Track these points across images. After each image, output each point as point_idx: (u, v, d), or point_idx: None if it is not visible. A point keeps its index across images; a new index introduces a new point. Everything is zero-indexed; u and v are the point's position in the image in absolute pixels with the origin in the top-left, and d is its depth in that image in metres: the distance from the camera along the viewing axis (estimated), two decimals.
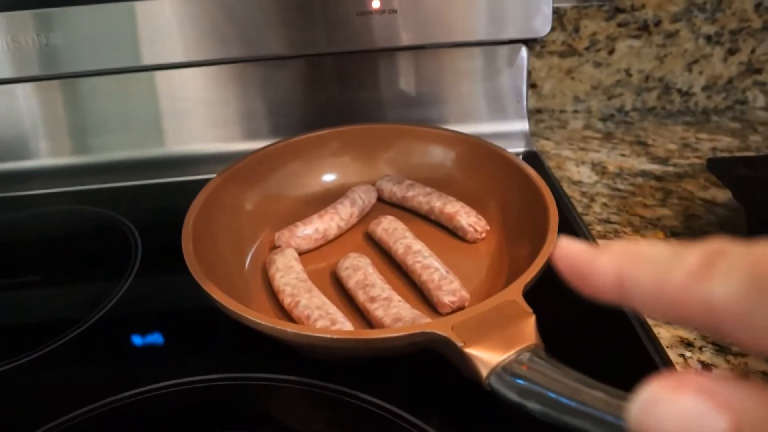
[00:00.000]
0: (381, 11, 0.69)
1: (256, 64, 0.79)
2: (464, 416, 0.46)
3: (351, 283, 0.55)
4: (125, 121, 0.81)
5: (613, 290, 0.22)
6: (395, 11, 0.69)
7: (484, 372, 0.40)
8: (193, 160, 0.81)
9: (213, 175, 0.63)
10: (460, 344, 0.41)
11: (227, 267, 0.57)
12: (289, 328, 0.44)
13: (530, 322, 0.43)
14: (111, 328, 0.57)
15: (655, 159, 0.83)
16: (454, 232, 0.64)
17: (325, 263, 0.61)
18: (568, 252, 0.23)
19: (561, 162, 0.84)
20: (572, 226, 0.67)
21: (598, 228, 0.69)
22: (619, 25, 0.89)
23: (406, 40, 0.74)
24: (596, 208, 0.73)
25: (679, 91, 0.95)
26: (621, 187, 0.77)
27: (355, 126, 0.72)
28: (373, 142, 0.72)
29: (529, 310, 0.44)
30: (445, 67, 0.81)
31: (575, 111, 0.96)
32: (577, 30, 0.89)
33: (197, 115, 0.82)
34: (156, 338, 0.56)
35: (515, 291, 0.46)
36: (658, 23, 0.89)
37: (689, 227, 0.69)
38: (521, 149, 0.82)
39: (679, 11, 0.88)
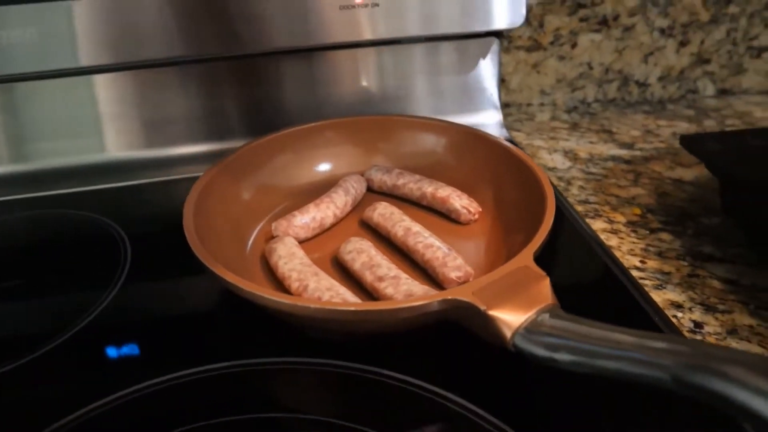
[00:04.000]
0: (364, 5, 0.70)
1: (226, 62, 0.78)
2: (486, 380, 0.47)
3: (356, 266, 0.55)
4: (64, 126, 0.78)
5: None
6: (377, 5, 0.70)
7: (508, 333, 0.41)
8: (134, 164, 0.78)
9: (160, 179, 0.64)
10: (483, 308, 0.42)
11: (230, 255, 0.56)
12: (313, 304, 0.44)
13: (546, 284, 0.44)
14: (95, 339, 0.53)
15: (621, 145, 0.87)
16: (447, 216, 0.66)
17: (324, 251, 0.61)
18: None
19: (534, 151, 0.87)
20: (558, 206, 0.69)
21: (579, 208, 0.72)
22: (581, 20, 0.93)
23: (384, 33, 0.75)
24: (574, 190, 0.76)
25: (637, 82, 1.00)
26: (594, 171, 0.81)
27: (348, 117, 0.73)
28: (367, 132, 0.73)
29: (543, 273, 0.46)
30: (420, 61, 0.83)
31: (541, 104, 1.00)
32: (542, 25, 0.93)
33: (137, 119, 0.79)
34: (138, 349, 0.52)
35: (526, 257, 0.47)
36: (616, 17, 0.94)
37: (663, 203, 0.72)
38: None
39: (636, 5, 0.93)
